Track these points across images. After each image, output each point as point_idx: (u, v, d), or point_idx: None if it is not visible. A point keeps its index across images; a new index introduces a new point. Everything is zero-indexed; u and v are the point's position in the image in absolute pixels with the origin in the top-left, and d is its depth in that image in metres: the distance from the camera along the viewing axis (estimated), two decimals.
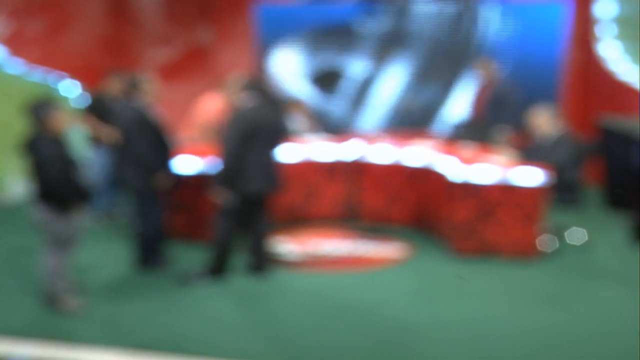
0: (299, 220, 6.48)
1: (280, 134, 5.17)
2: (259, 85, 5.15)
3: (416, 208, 6.32)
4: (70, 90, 7.84)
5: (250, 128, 4.88)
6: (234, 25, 8.89)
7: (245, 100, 5.01)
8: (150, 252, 5.30)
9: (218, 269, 5.12)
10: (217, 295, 4.88)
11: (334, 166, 6.53)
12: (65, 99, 7.76)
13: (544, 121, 5.93)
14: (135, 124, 5.05)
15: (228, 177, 4.91)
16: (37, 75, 7.51)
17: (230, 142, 4.86)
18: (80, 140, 6.76)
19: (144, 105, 5.13)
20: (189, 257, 5.59)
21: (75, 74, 7.84)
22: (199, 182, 5.84)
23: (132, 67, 7.69)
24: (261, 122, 4.95)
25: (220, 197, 4.98)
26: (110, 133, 5.97)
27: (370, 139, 6.78)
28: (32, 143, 4.36)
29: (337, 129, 8.09)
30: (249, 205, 5.09)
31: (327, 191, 6.56)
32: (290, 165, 6.06)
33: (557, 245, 5.82)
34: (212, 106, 6.40)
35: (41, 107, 4.35)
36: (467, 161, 5.74)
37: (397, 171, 6.39)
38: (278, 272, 5.33)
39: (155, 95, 5.24)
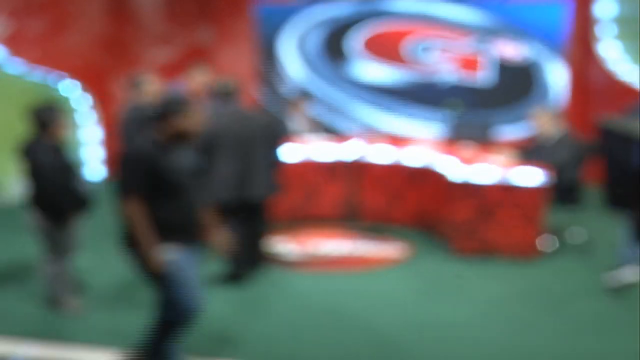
0: (299, 220, 6.48)
1: (260, 141, 4.94)
2: (226, 91, 4.91)
3: (416, 208, 6.31)
4: (70, 90, 7.83)
5: (209, 138, 4.68)
6: (234, 25, 8.88)
7: (208, 108, 4.90)
8: None
9: (235, 274, 5.09)
10: (217, 295, 4.88)
11: (334, 166, 6.53)
12: (66, 99, 7.76)
13: (545, 121, 5.93)
14: (136, 124, 5.04)
15: None
16: (37, 75, 7.51)
17: None
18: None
19: (145, 105, 5.13)
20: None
21: (75, 74, 7.84)
22: None
23: (132, 67, 7.69)
24: (223, 131, 4.78)
25: None
26: None
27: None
28: (29, 148, 4.25)
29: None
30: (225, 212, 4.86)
31: (327, 191, 6.55)
32: (290, 165, 6.06)
33: (557, 245, 5.82)
34: None
35: (45, 112, 4.23)
36: (467, 161, 5.74)
37: (397, 171, 6.38)
38: (278, 272, 5.34)
39: (156, 96, 5.23)
